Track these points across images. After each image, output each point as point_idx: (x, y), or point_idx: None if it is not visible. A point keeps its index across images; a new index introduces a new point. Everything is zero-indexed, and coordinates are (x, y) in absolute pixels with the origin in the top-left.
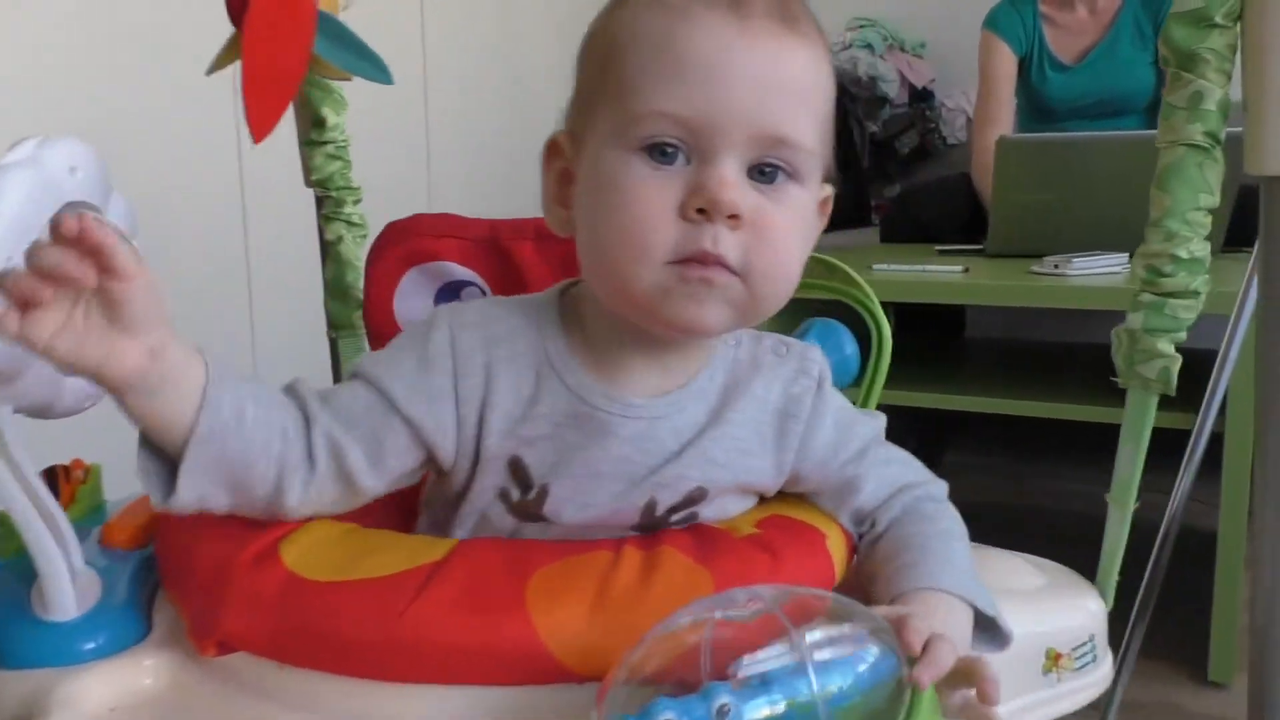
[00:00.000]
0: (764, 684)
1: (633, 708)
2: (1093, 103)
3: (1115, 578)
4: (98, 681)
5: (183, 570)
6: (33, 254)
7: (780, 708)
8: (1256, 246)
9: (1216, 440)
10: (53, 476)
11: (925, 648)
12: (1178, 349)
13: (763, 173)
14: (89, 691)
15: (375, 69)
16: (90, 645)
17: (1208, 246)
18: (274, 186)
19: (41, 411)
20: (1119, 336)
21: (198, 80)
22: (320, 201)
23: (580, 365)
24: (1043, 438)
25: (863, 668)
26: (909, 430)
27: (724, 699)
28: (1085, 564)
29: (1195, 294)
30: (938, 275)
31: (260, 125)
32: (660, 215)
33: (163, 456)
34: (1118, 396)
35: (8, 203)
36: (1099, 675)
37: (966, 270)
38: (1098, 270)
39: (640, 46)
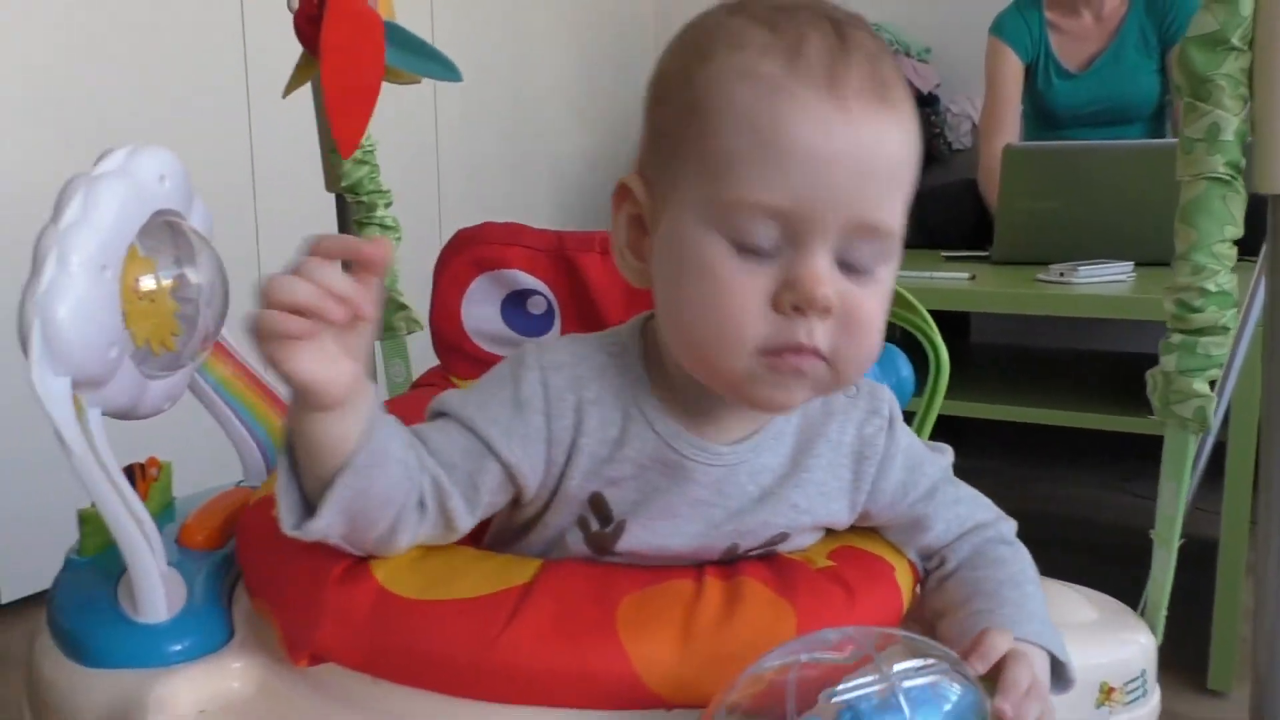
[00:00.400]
0: (854, 715)
1: None
2: (1098, 110)
3: (1164, 612)
4: (187, 684)
5: (274, 582)
6: (313, 275)
7: None
8: (1261, 258)
9: (1219, 448)
10: (130, 474)
11: (1004, 668)
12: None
13: (853, 260)
14: (179, 694)
15: (444, 69)
16: (178, 648)
17: (1234, 279)
18: (286, 190)
19: (125, 413)
20: (1154, 378)
21: (211, 84)
22: (351, 207)
23: (667, 411)
24: (1047, 443)
25: (948, 706)
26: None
27: None
28: (1090, 569)
29: (1224, 329)
30: (946, 282)
31: (348, 141)
32: (753, 309)
33: (299, 484)
34: (1121, 404)
35: (103, 212)
36: (1148, 709)
37: (973, 277)
38: (1103, 278)
39: (734, 124)
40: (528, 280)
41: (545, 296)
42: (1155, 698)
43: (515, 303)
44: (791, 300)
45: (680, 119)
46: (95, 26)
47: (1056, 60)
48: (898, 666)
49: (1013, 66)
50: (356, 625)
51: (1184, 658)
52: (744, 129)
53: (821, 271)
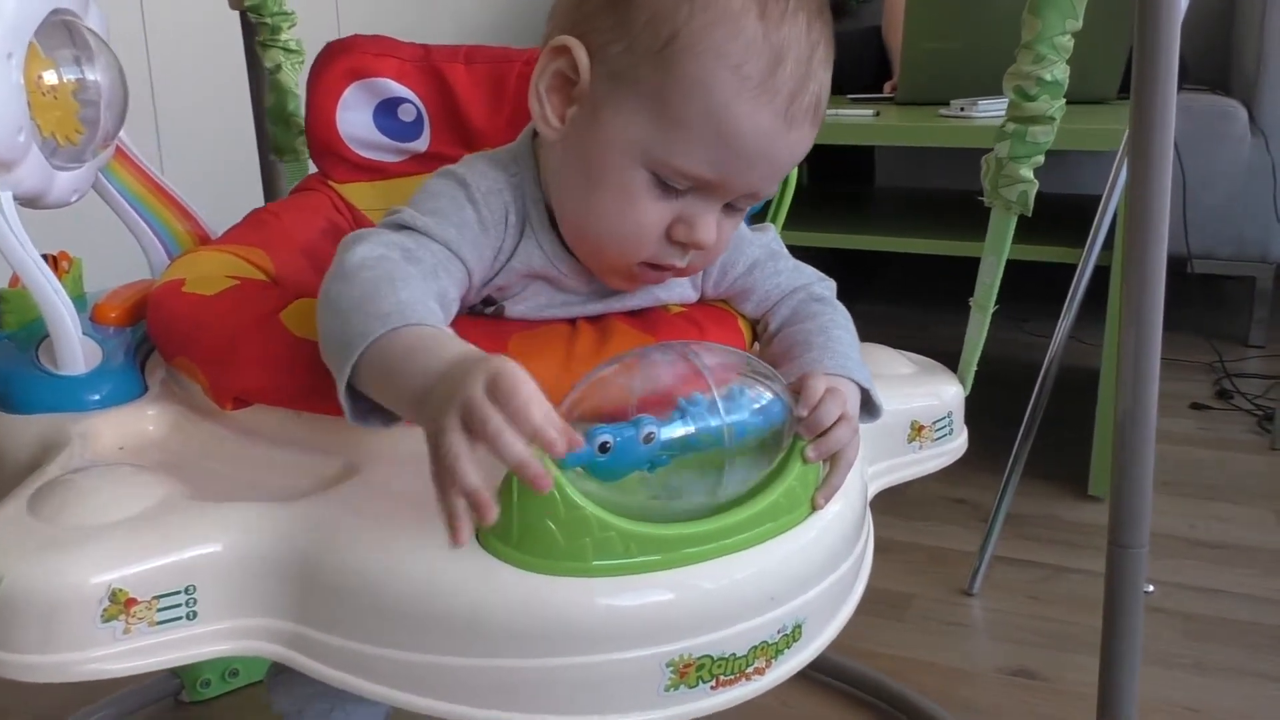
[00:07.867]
0: (680, 414)
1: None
2: None
3: (974, 368)
4: (107, 425)
5: (192, 340)
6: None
7: (692, 429)
8: None
9: (1101, 274)
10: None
11: (820, 404)
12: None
13: (734, 204)
14: (101, 432)
15: None
16: (96, 396)
17: (1067, 70)
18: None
19: (33, 201)
20: (987, 162)
21: None
22: (254, 28)
23: (554, 233)
24: (951, 289)
25: (758, 405)
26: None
27: (649, 425)
28: (982, 395)
29: (1051, 119)
30: (850, 119)
31: None
32: (651, 235)
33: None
34: (1015, 237)
35: (8, 6)
36: (954, 446)
37: (878, 114)
38: (1002, 112)
39: (702, 105)
40: (398, 89)
41: (414, 104)
42: (961, 438)
43: (386, 110)
44: (683, 237)
45: (653, 58)
46: None
47: None
48: (709, 360)
49: None
50: (276, 367)
51: (1069, 470)
52: (707, 114)
53: (713, 222)
